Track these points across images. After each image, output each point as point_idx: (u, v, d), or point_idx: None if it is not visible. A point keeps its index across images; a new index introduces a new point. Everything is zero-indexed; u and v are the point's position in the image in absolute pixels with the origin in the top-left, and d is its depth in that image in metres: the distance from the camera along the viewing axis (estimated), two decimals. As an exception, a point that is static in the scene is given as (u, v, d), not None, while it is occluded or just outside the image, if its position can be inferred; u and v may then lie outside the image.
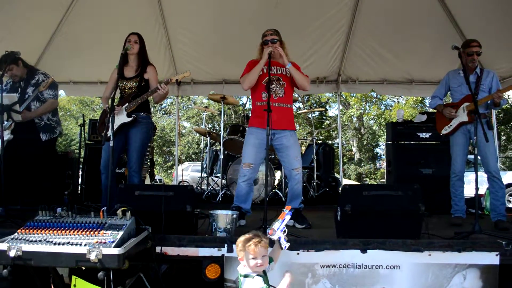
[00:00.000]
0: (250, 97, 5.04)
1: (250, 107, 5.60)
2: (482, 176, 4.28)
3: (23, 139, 4.58)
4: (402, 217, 3.44)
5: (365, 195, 3.50)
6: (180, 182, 8.76)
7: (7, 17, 5.91)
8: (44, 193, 4.60)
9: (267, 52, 4.08)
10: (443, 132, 4.69)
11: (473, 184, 3.87)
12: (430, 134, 5.79)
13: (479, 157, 4.14)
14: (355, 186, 4.44)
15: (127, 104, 4.36)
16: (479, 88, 4.47)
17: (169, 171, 26.39)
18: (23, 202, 4.48)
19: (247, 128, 4.40)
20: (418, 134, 5.83)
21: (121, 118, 4.35)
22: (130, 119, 4.36)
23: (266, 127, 3.88)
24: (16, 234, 2.75)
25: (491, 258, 3.20)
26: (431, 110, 5.58)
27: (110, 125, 3.84)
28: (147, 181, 6.75)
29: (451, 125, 4.60)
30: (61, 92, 8.04)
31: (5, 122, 4.37)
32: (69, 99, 26.88)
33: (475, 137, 3.99)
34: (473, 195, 4.67)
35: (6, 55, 4.52)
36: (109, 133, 3.86)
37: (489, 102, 4.47)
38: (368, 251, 3.19)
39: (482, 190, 5.62)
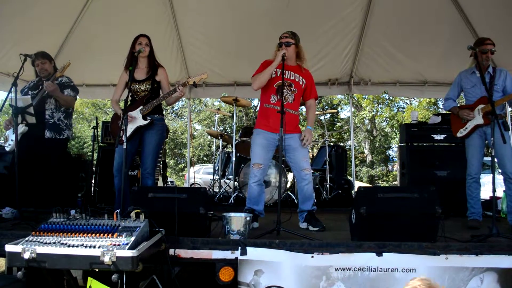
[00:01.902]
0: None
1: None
2: (497, 178, 4.20)
3: (28, 133, 4.58)
4: (418, 219, 3.39)
5: (380, 197, 3.44)
6: (192, 184, 8.76)
7: (21, 20, 5.98)
8: (58, 195, 4.62)
9: (280, 55, 4.06)
10: (459, 135, 4.61)
11: (488, 186, 3.80)
12: (445, 135, 5.71)
13: (495, 159, 4.07)
14: (370, 188, 4.38)
15: (141, 107, 4.35)
16: (493, 88, 4.40)
17: (180, 174, 26.50)
18: (36, 204, 4.50)
19: (254, 129, 4.39)
20: (432, 135, 5.76)
21: (137, 121, 4.34)
22: (147, 122, 4.36)
23: (272, 130, 3.91)
24: (30, 236, 2.75)
25: (510, 262, 3.13)
26: (445, 111, 5.50)
27: (124, 127, 3.84)
28: (160, 183, 6.75)
29: (466, 128, 4.53)
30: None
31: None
32: (81, 102, 27.14)
33: (492, 139, 3.92)
34: (488, 198, 4.59)
35: (42, 52, 4.79)
36: (123, 136, 3.85)
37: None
38: (384, 254, 3.14)
39: (498, 192, 5.53)
